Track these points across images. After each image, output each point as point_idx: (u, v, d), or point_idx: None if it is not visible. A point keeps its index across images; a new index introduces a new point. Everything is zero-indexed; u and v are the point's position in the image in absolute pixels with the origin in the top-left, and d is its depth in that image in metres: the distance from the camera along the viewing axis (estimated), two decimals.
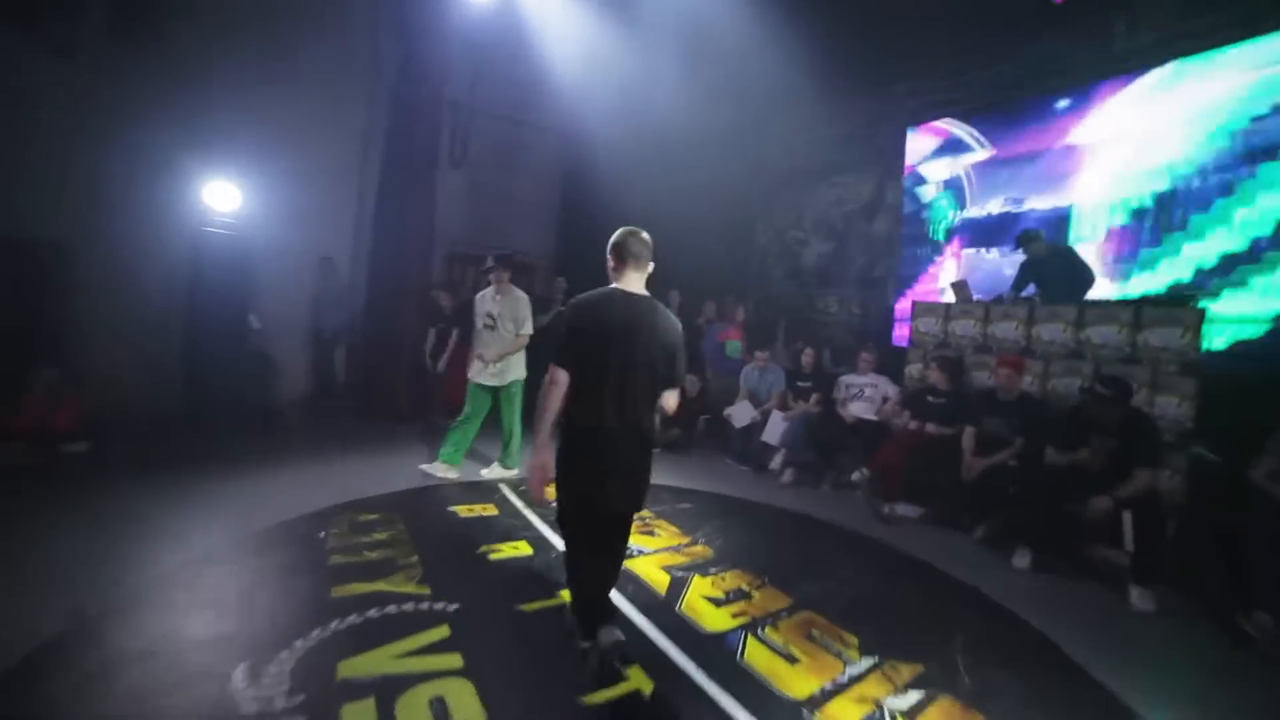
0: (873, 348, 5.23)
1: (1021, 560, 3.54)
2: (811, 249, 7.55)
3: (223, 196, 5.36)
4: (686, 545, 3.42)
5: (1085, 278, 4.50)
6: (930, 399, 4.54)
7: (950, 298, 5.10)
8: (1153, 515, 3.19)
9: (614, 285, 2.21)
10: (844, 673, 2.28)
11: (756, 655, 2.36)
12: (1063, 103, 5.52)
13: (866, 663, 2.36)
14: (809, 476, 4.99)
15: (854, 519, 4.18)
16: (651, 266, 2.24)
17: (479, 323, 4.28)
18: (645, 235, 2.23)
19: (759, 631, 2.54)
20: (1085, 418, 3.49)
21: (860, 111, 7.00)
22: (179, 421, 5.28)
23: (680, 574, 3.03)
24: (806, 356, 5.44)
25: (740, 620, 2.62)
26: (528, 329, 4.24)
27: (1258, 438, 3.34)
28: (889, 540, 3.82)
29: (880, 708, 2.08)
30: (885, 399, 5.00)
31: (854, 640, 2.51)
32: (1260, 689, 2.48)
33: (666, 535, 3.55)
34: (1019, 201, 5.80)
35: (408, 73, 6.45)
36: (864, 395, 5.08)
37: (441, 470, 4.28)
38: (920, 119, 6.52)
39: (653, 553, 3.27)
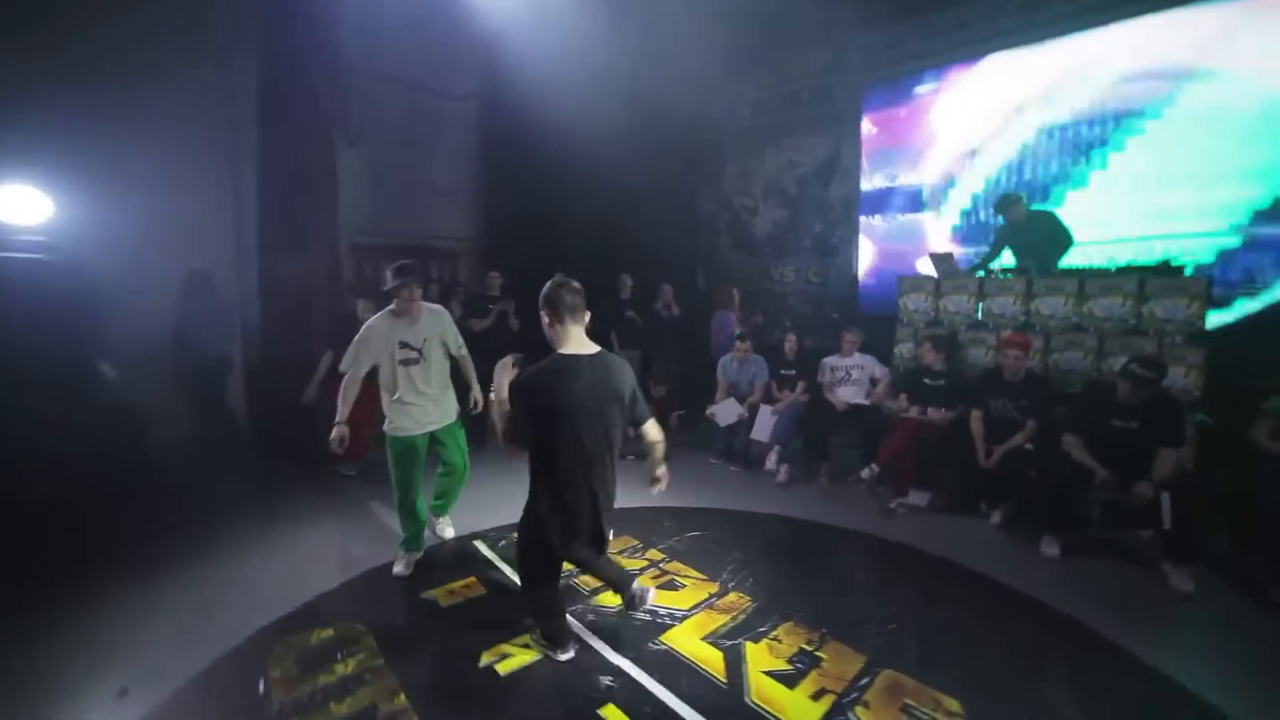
0: (855, 329, 4.94)
1: (1050, 549, 3.42)
2: (763, 217, 7.15)
3: (22, 207, 3.73)
4: (719, 597, 2.98)
5: (1066, 241, 4.37)
6: (927, 381, 4.31)
7: (929, 270, 4.87)
8: (1187, 494, 3.12)
9: (561, 351, 2.18)
10: None
11: None
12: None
13: None
14: (802, 470, 4.71)
15: (863, 518, 3.93)
16: (588, 316, 2.24)
17: (388, 358, 3.08)
18: (575, 284, 2.22)
19: (850, 717, 2.16)
20: (1106, 399, 3.38)
21: (812, 68, 6.54)
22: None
23: (729, 644, 2.58)
24: (789, 343, 5.08)
25: (824, 703, 2.22)
26: (463, 345, 3.39)
27: (1256, 402, 3.37)
28: (911, 541, 3.60)
29: None
30: (874, 380, 4.75)
31: (956, 707, 2.20)
32: None
33: (693, 586, 3.08)
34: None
35: (288, 34, 5.19)
36: (851, 378, 4.81)
37: (410, 562, 3.22)
38: (879, 75, 6.17)
39: (687, 615, 2.80)
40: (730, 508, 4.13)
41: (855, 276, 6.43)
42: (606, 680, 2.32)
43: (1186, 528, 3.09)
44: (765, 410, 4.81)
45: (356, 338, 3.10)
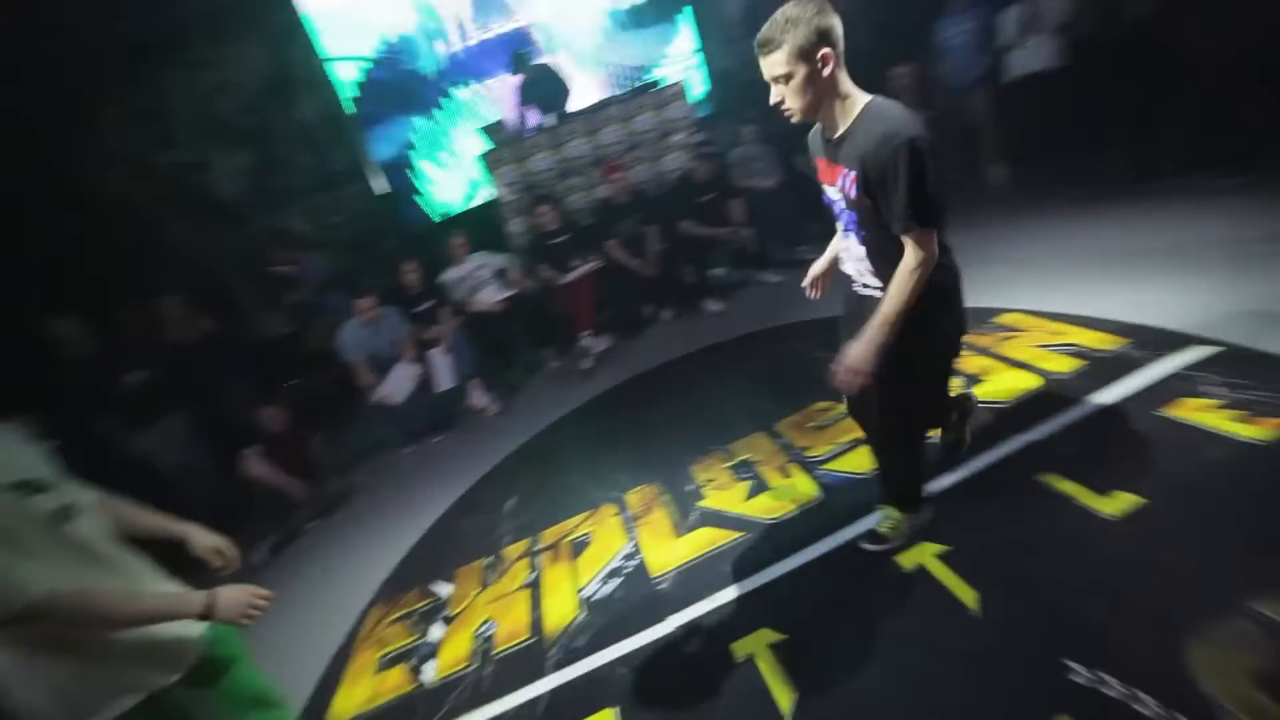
0: (458, 232, 4.41)
1: (714, 305, 4.26)
2: (221, 169, 5.19)
3: None
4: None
5: (566, 89, 4.84)
6: (554, 242, 4.34)
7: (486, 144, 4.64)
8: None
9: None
10: None
11: None
12: None
13: None
14: (499, 388, 4.21)
15: (590, 388, 3.92)
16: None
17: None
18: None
19: None
20: (688, 185, 4.21)
21: None
22: None
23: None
24: (411, 273, 4.13)
25: None
26: None
27: None
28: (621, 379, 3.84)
29: None
30: (503, 270, 4.46)
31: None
32: None
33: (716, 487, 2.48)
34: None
35: None
36: (483, 279, 4.39)
37: None
38: None
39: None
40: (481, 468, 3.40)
41: (402, 190, 5.61)
42: None
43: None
44: (403, 366, 3.90)
45: None
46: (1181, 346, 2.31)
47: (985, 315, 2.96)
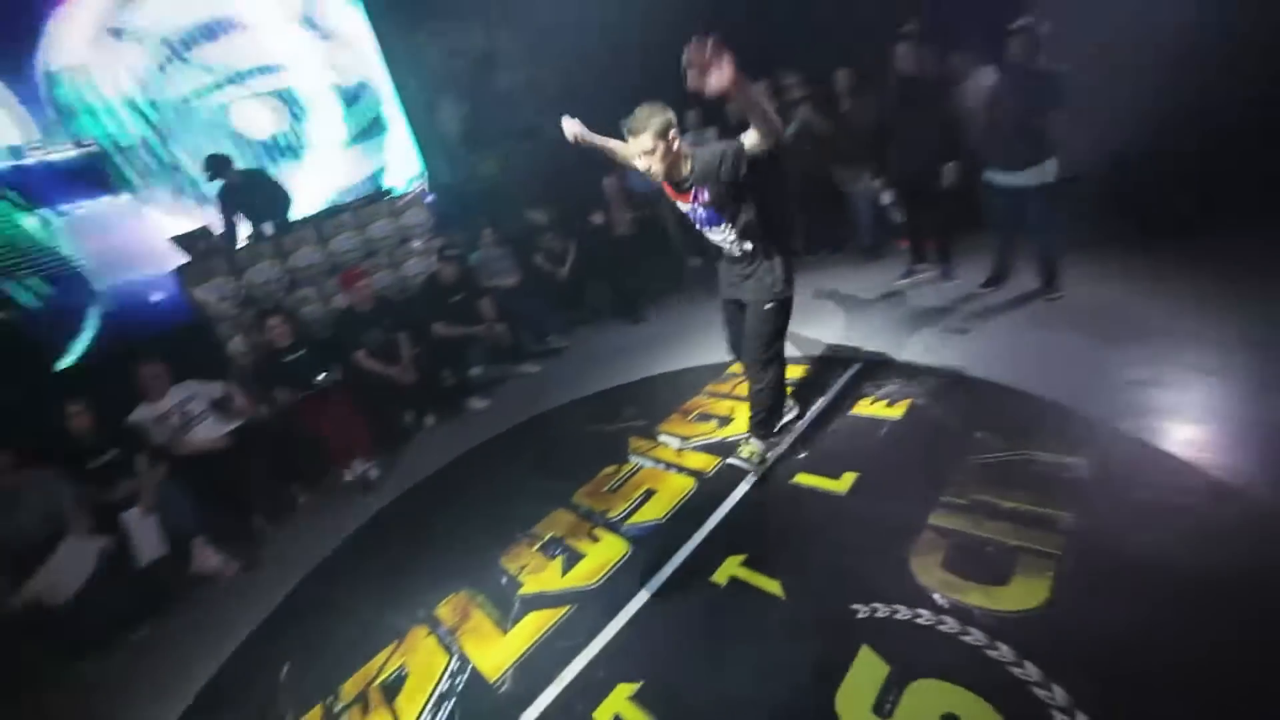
0: (149, 360, 3.55)
1: (479, 403, 4.26)
2: None
3: None
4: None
5: (287, 195, 4.52)
6: (288, 359, 3.85)
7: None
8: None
9: None
10: None
11: None
12: None
13: None
14: (237, 543, 3.40)
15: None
16: None
17: None
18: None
19: None
20: (438, 287, 4.23)
21: None
22: None
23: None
24: (77, 416, 3.11)
25: None
26: None
27: None
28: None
29: None
30: (223, 400, 3.74)
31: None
32: None
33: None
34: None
35: None
36: (195, 414, 3.60)
37: None
38: None
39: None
40: None
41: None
42: None
43: None
44: (72, 544, 2.96)
45: None
46: (847, 366, 3.22)
47: (720, 369, 3.64)
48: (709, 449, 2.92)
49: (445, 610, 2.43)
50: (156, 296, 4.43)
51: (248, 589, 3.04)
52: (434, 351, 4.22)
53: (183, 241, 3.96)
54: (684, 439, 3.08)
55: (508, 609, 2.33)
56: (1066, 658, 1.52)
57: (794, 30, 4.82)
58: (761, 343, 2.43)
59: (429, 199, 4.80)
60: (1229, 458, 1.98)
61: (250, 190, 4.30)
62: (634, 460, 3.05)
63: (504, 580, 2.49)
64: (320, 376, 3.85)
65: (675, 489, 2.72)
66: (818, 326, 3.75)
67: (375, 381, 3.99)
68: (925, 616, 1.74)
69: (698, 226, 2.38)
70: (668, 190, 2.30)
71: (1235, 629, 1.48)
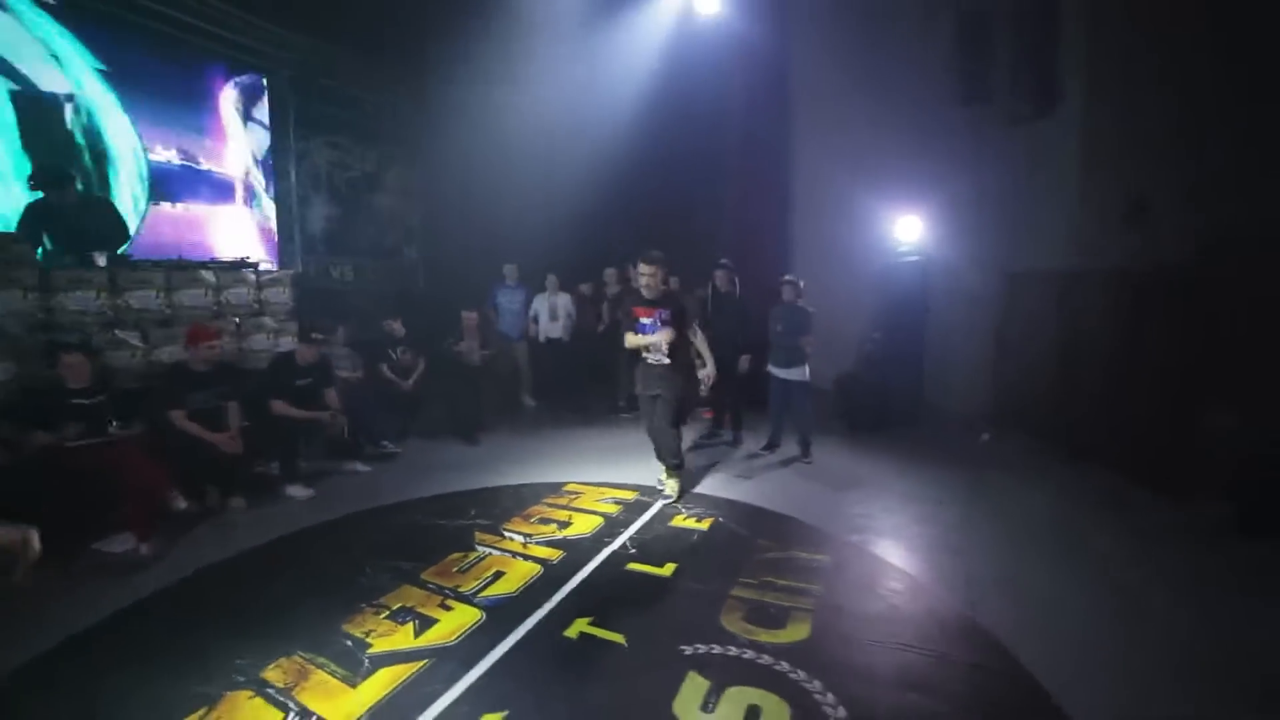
0: None
1: (299, 492, 4.08)
2: None
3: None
4: None
5: (125, 230, 4.23)
6: (79, 401, 3.36)
7: None
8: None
9: None
10: None
11: None
12: None
13: None
14: None
15: None
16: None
17: None
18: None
19: None
20: (290, 364, 4.20)
21: None
22: None
23: None
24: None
25: None
26: None
27: None
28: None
29: None
30: None
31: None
32: None
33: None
34: None
35: None
36: None
37: None
38: None
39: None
40: None
41: None
42: None
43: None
44: None
45: None
46: (654, 494, 4.02)
47: (559, 485, 4.18)
48: (553, 544, 3.34)
49: (275, 673, 2.29)
50: None
51: None
52: (264, 428, 4.01)
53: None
54: (528, 536, 3.45)
55: (356, 666, 2.31)
56: (820, 665, 2.25)
57: (645, 236, 6.39)
58: (670, 415, 3.86)
59: (290, 281, 4.82)
60: (907, 557, 3.14)
61: (85, 214, 3.95)
62: (480, 550, 3.29)
63: (349, 643, 2.46)
64: (113, 425, 3.43)
65: (523, 571, 3.04)
66: (639, 467, 4.55)
67: (184, 446, 3.63)
68: (732, 650, 2.36)
69: (641, 334, 3.79)
70: (635, 312, 3.79)
71: (922, 652, 2.39)
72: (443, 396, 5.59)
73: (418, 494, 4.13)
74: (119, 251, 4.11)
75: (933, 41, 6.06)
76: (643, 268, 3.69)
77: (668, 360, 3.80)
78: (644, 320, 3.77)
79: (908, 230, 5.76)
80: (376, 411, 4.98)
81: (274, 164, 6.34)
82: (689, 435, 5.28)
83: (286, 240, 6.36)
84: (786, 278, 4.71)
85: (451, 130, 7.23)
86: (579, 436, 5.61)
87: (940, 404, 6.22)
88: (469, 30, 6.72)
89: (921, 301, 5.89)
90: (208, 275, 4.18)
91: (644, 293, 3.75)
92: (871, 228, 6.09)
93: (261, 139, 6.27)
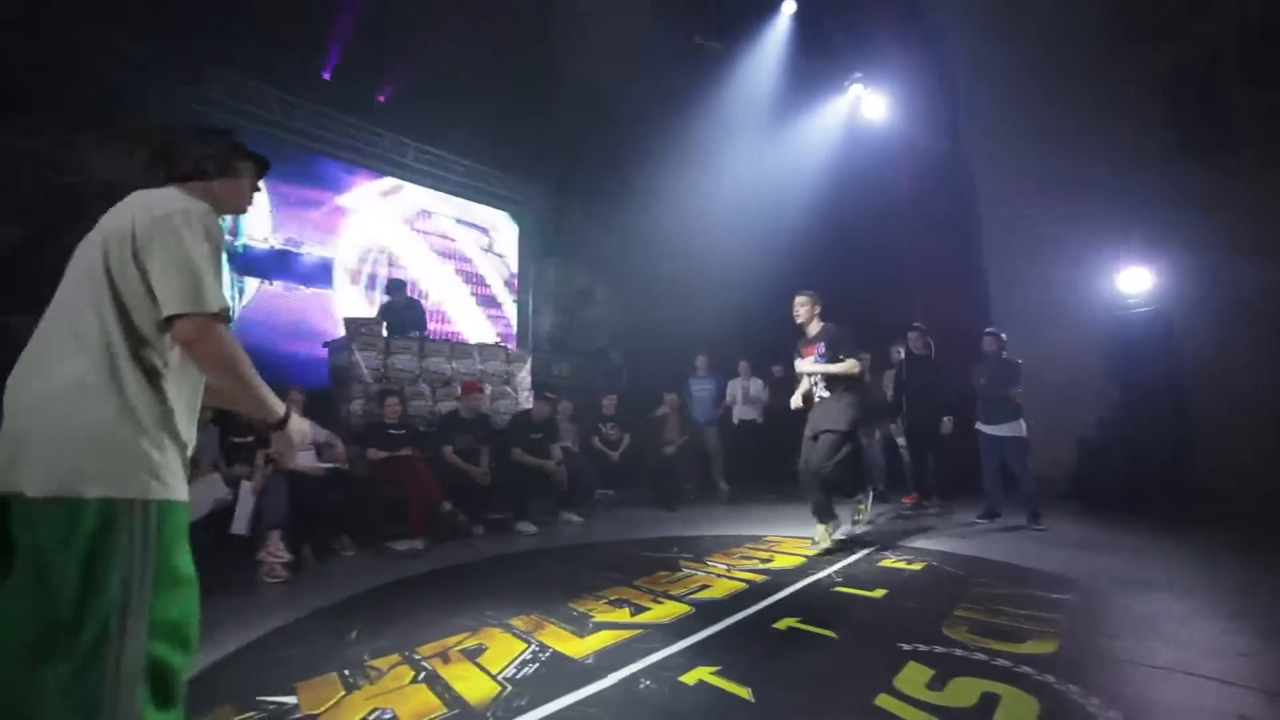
0: (299, 391, 4.25)
1: (528, 529, 4.66)
2: None
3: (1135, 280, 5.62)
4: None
5: (424, 320, 5.77)
6: (392, 432, 4.49)
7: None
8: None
9: None
10: None
11: None
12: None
13: None
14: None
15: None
16: None
17: None
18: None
19: None
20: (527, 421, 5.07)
21: None
22: None
23: None
24: None
25: None
26: None
27: None
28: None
29: None
30: (329, 443, 4.26)
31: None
32: None
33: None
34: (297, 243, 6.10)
35: None
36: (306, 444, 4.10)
37: None
38: None
39: None
40: None
41: None
42: None
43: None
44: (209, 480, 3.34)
45: None
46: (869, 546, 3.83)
47: (759, 536, 4.26)
48: (756, 571, 3.38)
49: (518, 621, 2.68)
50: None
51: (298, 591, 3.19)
52: (504, 471, 4.81)
53: (353, 322, 5.02)
54: (730, 565, 3.54)
55: (581, 627, 2.60)
56: (1080, 675, 1.96)
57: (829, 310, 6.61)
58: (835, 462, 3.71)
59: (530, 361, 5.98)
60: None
61: (407, 309, 5.54)
62: (686, 570, 3.47)
63: (575, 613, 2.78)
64: (404, 451, 4.46)
65: (729, 586, 3.13)
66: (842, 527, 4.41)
67: (447, 476, 4.53)
68: (959, 652, 2.17)
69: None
70: (803, 353, 3.94)
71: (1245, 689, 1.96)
72: (647, 469, 6.15)
73: (625, 537, 4.49)
74: (420, 333, 5.59)
75: (1127, 95, 5.91)
76: (796, 301, 3.93)
77: (827, 394, 3.79)
78: (807, 359, 3.92)
79: (1134, 281, 5.19)
80: (589, 471, 5.62)
81: (517, 280, 8.11)
82: (885, 508, 5.00)
83: (522, 340, 7.85)
84: (988, 330, 4.51)
85: (647, 246, 8.57)
86: (776, 504, 5.75)
87: (1217, 485, 4.99)
88: (663, 154, 8.19)
89: (1165, 358, 5.08)
90: (474, 349, 5.44)
91: (799, 326, 3.96)
92: (1085, 281, 5.64)
93: (507, 261, 8.17)
